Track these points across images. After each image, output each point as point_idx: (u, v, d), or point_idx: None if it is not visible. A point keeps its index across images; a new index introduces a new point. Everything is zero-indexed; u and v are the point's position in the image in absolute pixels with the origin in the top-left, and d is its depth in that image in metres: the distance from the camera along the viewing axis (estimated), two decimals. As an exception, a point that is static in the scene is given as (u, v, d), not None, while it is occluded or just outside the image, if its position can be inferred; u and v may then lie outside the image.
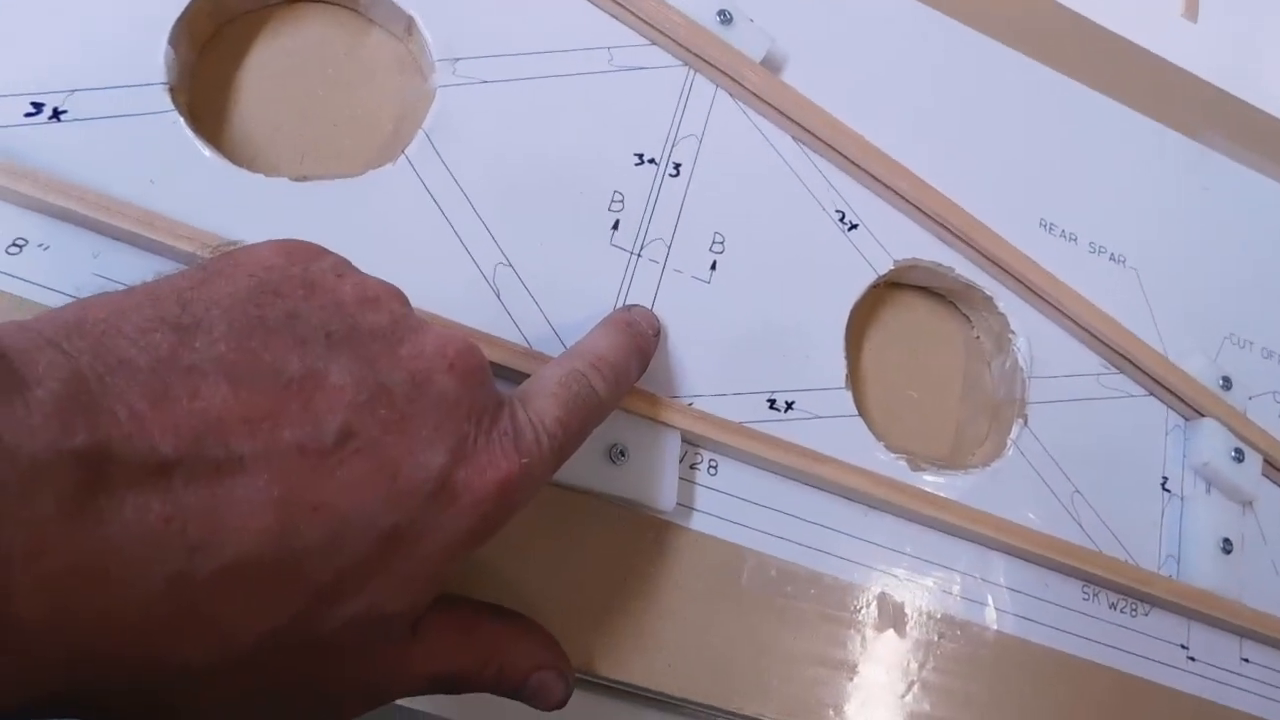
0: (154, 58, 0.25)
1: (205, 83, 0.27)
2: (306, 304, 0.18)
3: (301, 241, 0.19)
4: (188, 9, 0.26)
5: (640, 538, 0.26)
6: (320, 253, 0.19)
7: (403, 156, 0.27)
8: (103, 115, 0.24)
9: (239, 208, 0.25)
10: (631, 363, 0.25)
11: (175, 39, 0.25)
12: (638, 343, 0.25)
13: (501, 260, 0.27)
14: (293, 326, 0.17)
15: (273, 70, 0.28)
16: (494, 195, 0.27)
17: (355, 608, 0.17)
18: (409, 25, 0.28)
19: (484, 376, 0.20)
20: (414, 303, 0.25)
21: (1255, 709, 0.32)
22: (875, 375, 0.32)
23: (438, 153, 0.27)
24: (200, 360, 0.16)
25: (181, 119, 0.25)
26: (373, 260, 0.24)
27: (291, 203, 0.25)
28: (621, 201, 0.29)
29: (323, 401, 0.17)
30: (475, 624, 0.22)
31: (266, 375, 0.16)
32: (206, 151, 0.25)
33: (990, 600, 0.30)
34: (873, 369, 0.32)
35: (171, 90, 0.25)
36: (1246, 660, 0.33)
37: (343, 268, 0.19)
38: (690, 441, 0.27)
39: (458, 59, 0.28)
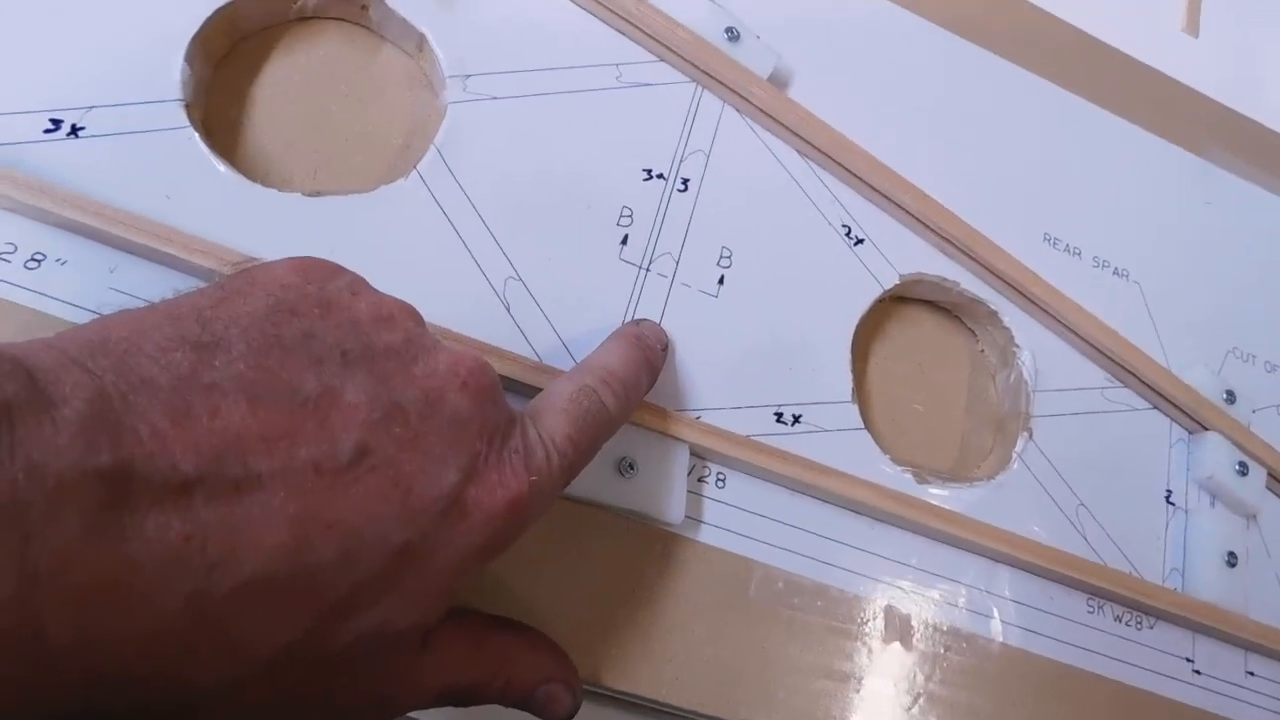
0: (170, 75, 0.25)
1: (220, 99, 0.27)
2: (322, 323, 0.18)
3: (318, 259, 0.20)
4: (203, 26, 0.26)
5: (648, 550, 0.27)
6: (336, 271, 0.20)
7: (414, 172, 0.27)
8: (120, 131, 0.25)
9: (253, 223, 0.25)
10: (641, 377, 0.25)
11: (191, 56, 0.26)
12: (647, 357, 0.25)
13: (512, 274, 0.27)
14: (309, 345, 0.17)
15: (286, 86, 0.28)
16: (504, 210, 0.28)
17: (369, 622, 0.18)
18: (420, 42, 0.29)
19: (496, 394, 0.20)
20: (425, 316, 0.25)
21: (1260, 722, 0.32)
22: (881, 388, 0.32)
23: (449, 168, 0.27)
24: (220, 379, 0.16)
25: (197, 135, 0.25)
26: (385, 274, 0.24)
27: (305, 217, 0.26)
28: (630, 216, 0.29)
29: (338, 420, 0.17)
30: (484, 636, 0.22)
31: (284, 394, 0.17)
32: (221, 167, 0.25)
33: (996, 613, 0.30)
34: (878, 382, 0.32)
35: (187, 107, 0.25)
36: (1252, 674, 0.33)
37: (358, 286, 0.20)
38: (698, 454, 0.28)
39: (469, 75, 0.28)
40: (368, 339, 0.18)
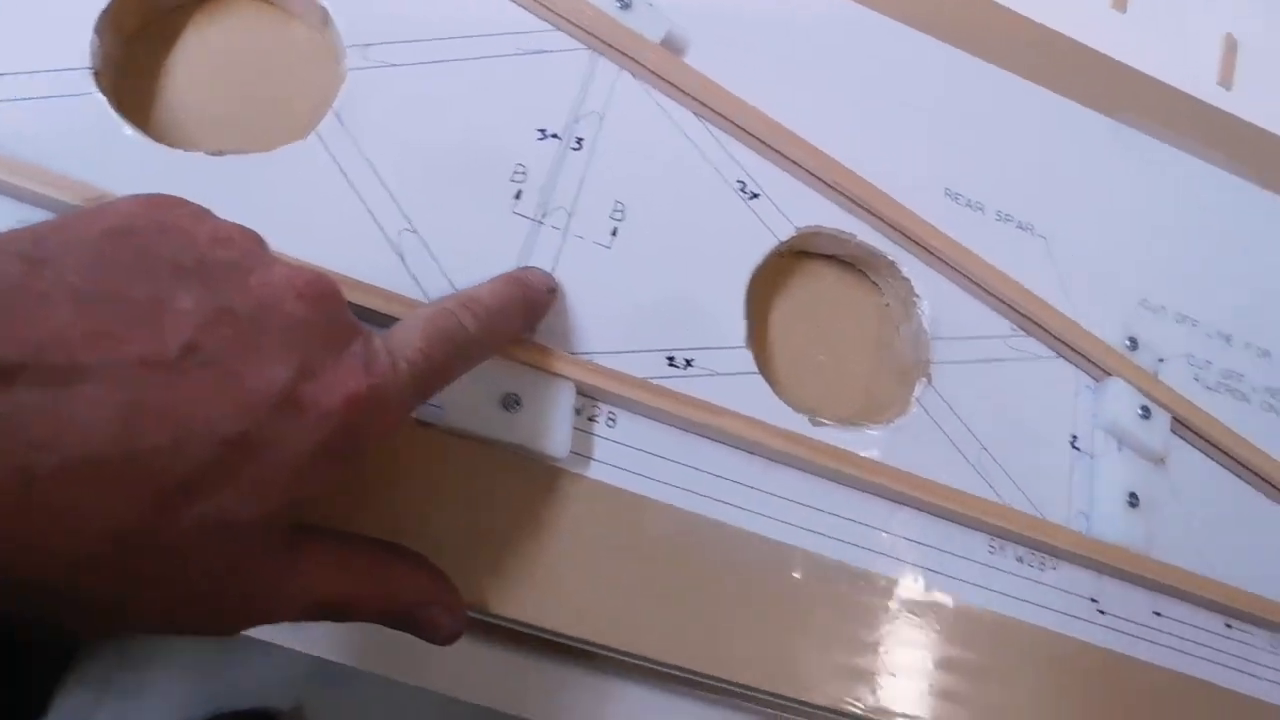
0: (81, 45, 0.27)
1: (134, 73, 0.29)
2: (158, 242, 0.19)
3: (165, 194, 0.21)
4: (112, 2, 0.28)
5: (538, 485, 0.28)
6: (180, 202, 0.21)
7: (313, 133, 0.29)
8: (30, 96, 0.27)
9: (157, 181, 0.27)
10: (512, 309, 0.26)
11: (101, 28, 0.28)
12: (522, 292, 0.27)
13: (406, 226, 0.29)
14: (142, 261, 0.19)
15: (198, 61, 0.30)
16: (400, 168, 0.29)
17: (208, 510, 0.19)
18: (324, 17, 0.30)
19: (335, 305, 0.21)
20: (319, 264, 0.27)
21: (1166, 662, 0.32)
22: (784, 341, 0.33)
23: (346, 129, 0.29)
24: (48, 288, 0.17)
25: (104, 99, 0.27)
26: (282, 226, 0.26)
27: (207, 175, 0.27)
28: (524, 173, 0.30)
29: (168, 322, 0.18)
30: (361, 554, 0.23)
31: (112, 299, 0.18)
32: (128, 130, 0.27)
33: (893, 552, 0.31)
34: (780, 335, 0.33)
35: (96, 74, 0.27)
36: (1158, 614, 0.33)
37: (201, 215, 0.21)
38: (588, 395, 0.29)
39: (368, 45, 0.30)
40: (203, 255, 0.20)
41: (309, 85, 0.31)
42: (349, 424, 0.20)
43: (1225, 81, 0.49)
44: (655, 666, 0.28)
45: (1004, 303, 0.34)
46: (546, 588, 0.27)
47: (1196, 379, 0.37)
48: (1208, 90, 0.47)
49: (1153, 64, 0.44)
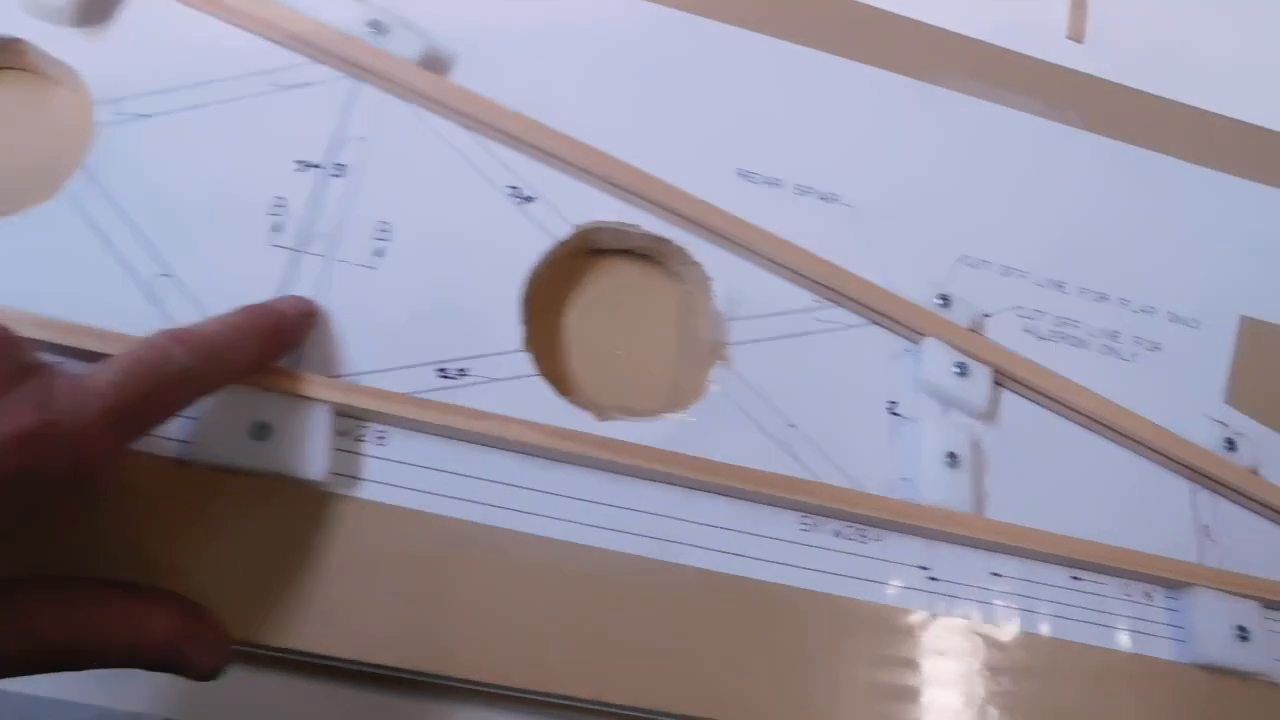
0: None
1: (-107, 155, 0.30)
2: None
3: None
4: None
5: (303, 510, 0.27)
6: None
7: (61, 192, 0.29)
8: None
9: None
10: (244, 339, 0.26)
11: None
12: (258, 320, 0.27)
13: (162, 272, 0.29)
14: None
15: (-41, 136, 0.31)
16: (154, 215, 0.29)
17: None
18: (78, 77, 0.31)
19: (7, 349, 0.21)
20: (69, 316, 0.27)
21: (1012, 623, 0.31)
22: (579, 341, 0.33)
23: (98, 184, 0.30)
24: None
25: None
26: (29, 285, 0.27)
27: (-48, 244, 0.28)
28: (283, 205, 0.31)
29: None
30: (92, 597, 0.23)
31: None
32: None
33: (689, 540, 0.30)
34: (576, 336, 0.33)
35: None
36: (997, 575, 0.32)
37: None
38: (353, 415, 0.29)
39: (120, 99, 0.31)
40: None
41: (70, 147, 0.31)
42: (21, 457, 0.20)
43: (1076, 35, 0.49)
44: (451, 683, 0.28)
45: (802, 275, 0.34)
46: (320, 613, 0.27)
47: (1027, 330, 0.36)
48: (1057, 45, 0.47)
49: (1003, 22, 0.44)
